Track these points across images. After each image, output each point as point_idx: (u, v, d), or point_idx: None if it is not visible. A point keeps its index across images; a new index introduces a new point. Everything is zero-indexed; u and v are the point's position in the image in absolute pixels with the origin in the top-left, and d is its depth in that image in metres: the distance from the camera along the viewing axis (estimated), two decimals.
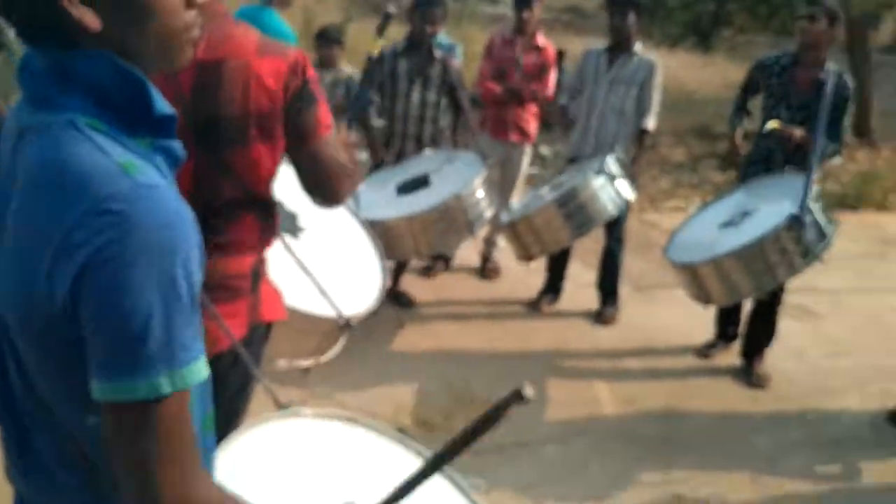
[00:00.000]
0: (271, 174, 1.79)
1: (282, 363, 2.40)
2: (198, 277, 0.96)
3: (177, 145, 1.05)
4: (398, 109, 4.36)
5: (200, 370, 0.96)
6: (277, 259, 2.12)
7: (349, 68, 5.20)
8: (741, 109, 4.17)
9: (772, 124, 3.76)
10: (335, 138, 1.79)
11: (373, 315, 2.70)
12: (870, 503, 3.24)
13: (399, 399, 3.64)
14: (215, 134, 1.70)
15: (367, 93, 4.34)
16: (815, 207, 3.36)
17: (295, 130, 1.73)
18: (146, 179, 0.93)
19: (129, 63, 0.98)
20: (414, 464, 1.39)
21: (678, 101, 12.75)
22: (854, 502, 3.23)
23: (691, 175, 8.65)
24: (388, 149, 4.44)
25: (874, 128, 10.85)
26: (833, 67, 3.76)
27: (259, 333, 1.93)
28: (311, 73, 1.75)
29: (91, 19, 0.93)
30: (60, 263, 0.89)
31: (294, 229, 2.62)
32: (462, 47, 5.75)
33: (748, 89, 4.14)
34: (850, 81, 3.77)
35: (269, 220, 1.87)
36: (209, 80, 1.68)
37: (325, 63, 5.12)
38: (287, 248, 2.30)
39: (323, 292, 2.37)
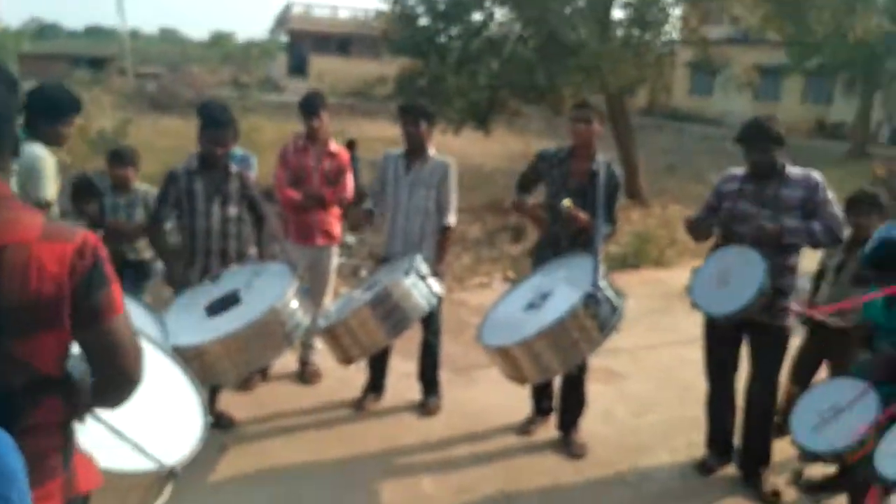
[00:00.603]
0: (61, 357, 1.73)
1: None
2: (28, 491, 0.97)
3: None
4: (199, 226, 4.24)
5: None
6: (86, 423, 2.02)
7: (144, 186, 5.07)
8: (523, 190, 4.48)
9: (566, 202, 4.09)
10: (125, 319, 1.76)
11: None
12: None
13: None
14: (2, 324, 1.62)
15: (164, 210, 4.25)
16: (605, 284, 3.67)
17: (84, 313, 1.68)
18: None
19: None
20: None
21: (466, 176, 13.44)
22: None
23: (490, 249, 9.11)
24: (191, 267, 4.32)
25: (642, 187, 12.02)
26: (602, 159, 4.20)
27: None
28: (102, 252, 1.71)
29: None
30: None
31: None
32: (256, 158, 5.79)
33: (529, 176, 4.46)
34: (617, 170, 4.24)
35: (72, 396, 1.80)
36: None
37: (119, 185, 4.97)
38: (90, 413, 2.18)
39: (139, 449, 2.27)
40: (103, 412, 2.22)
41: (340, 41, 42.32)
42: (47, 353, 1.68)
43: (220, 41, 57.83)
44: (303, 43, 41.83)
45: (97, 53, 41.89)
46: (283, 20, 44.89)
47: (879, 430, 2.95)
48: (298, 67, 39.83)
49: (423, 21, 12.38)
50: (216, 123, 4.13)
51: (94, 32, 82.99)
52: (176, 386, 2.90)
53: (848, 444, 3.03)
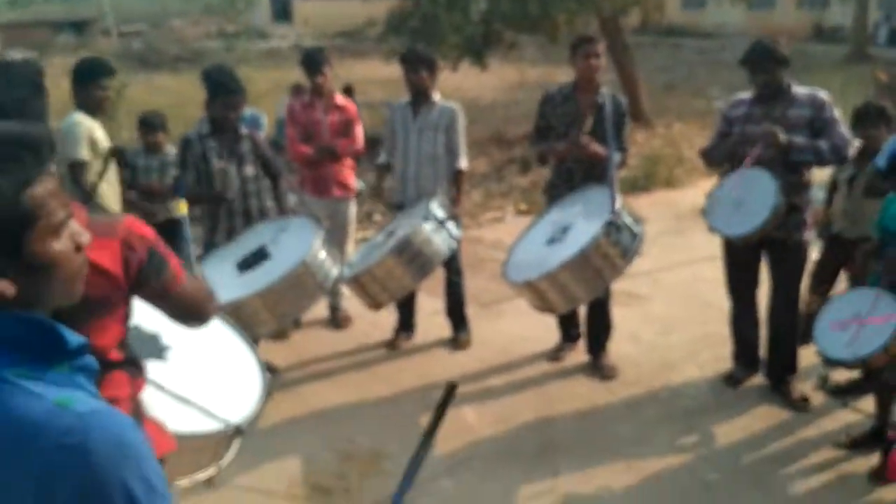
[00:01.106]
0: (120, 339, 1.87)
1: (183, 482, 2.42)
2: (159, 467, 1.08)
3: (91, 360, 1.16)
4: (218, 188, 4.32)
5: None
6: (152, 391, 2.16)
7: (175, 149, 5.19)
8: (541, 139, 4.48)
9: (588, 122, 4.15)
10: (190, 278, 1.95)
11: None
12: (728, 462, 3.66)
13: (289, 471, 3.68)
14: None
15: (187, 176, 4.30)
16: (623, 211, 3.75)
17: (155, 291, 1.86)
18: (84, 407, 1.04)
19: (31, 311, 1.09)
20: None
21: (466, 111, 13.25)
22: (716, 465, 3.64)
23: (499, 183, 9.13)
24: (216, 229, 4.39)
25: (644, 108, 11.95)
26: (606, 90, 4.25)
27: None
28: (150, 235, 1.82)
29: (7, 287, 1.05)
30: None
31: (158, 351, 2.59)
32: (265, 116, 5.81)
33: (540, 124, 4.43)
34: (622, 100, 4.31)
35: (135, 370, 1.95)
36: None
37: (151, 149, 5.18)
38: (156, 384, 2.30)
39: (205, 411, 2.40)
40: (168, 383, 2.36)
41: None
42: (106, 337, 1.80)
43: None
44: None
45: (77, 16, 41.11)
46: None
47: None
48: (283, 12, 39.13)
49: None
50: (227, 91, 4.14)
51: None
52: (229, 346, 3.01)
53: (872, 350, 3.15)
